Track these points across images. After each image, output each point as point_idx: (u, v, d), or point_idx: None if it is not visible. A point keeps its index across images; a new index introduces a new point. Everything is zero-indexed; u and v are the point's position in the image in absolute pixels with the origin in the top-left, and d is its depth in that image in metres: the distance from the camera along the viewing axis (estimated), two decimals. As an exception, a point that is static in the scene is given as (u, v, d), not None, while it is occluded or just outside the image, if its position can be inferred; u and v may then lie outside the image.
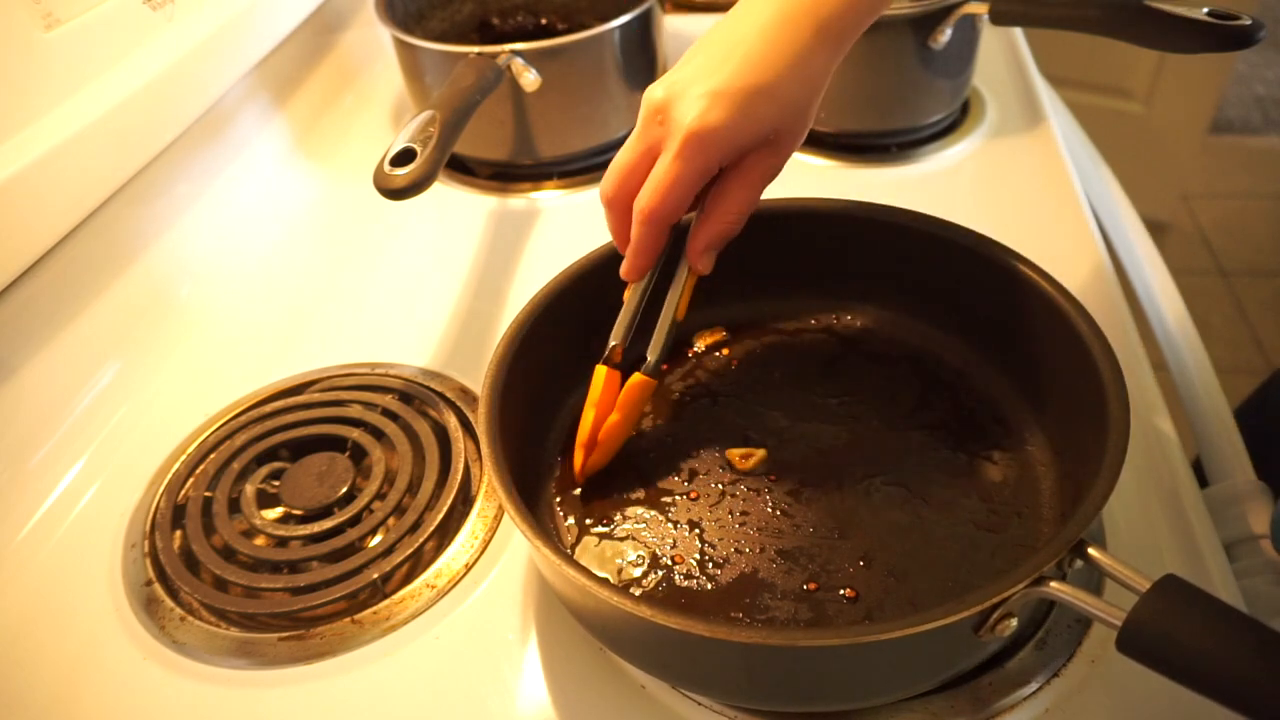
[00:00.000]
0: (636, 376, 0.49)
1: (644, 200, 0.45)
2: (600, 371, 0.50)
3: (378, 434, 0.57)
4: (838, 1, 0.43)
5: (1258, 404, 0.77)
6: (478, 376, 0.62)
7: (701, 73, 0.43)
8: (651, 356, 0.49)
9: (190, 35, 0.68)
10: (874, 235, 0.55)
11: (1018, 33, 0.96)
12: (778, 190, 0.55)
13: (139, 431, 0.61)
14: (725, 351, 0.58)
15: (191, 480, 0.56)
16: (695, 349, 0.59)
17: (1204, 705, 0.32)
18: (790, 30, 0.43)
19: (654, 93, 0.45)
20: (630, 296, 0.50)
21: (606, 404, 0.50)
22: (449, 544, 0.52)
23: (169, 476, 0.57)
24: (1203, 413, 0.67)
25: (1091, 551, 0.36)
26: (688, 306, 0.50)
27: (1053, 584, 0.35)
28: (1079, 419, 0.45)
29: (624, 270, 0.49)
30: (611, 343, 0.50)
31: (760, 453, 0.51)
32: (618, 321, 0.50)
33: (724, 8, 1.04)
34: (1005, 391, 0.53)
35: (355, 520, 0.53)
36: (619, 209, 0.47)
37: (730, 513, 0.49)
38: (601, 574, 0.47)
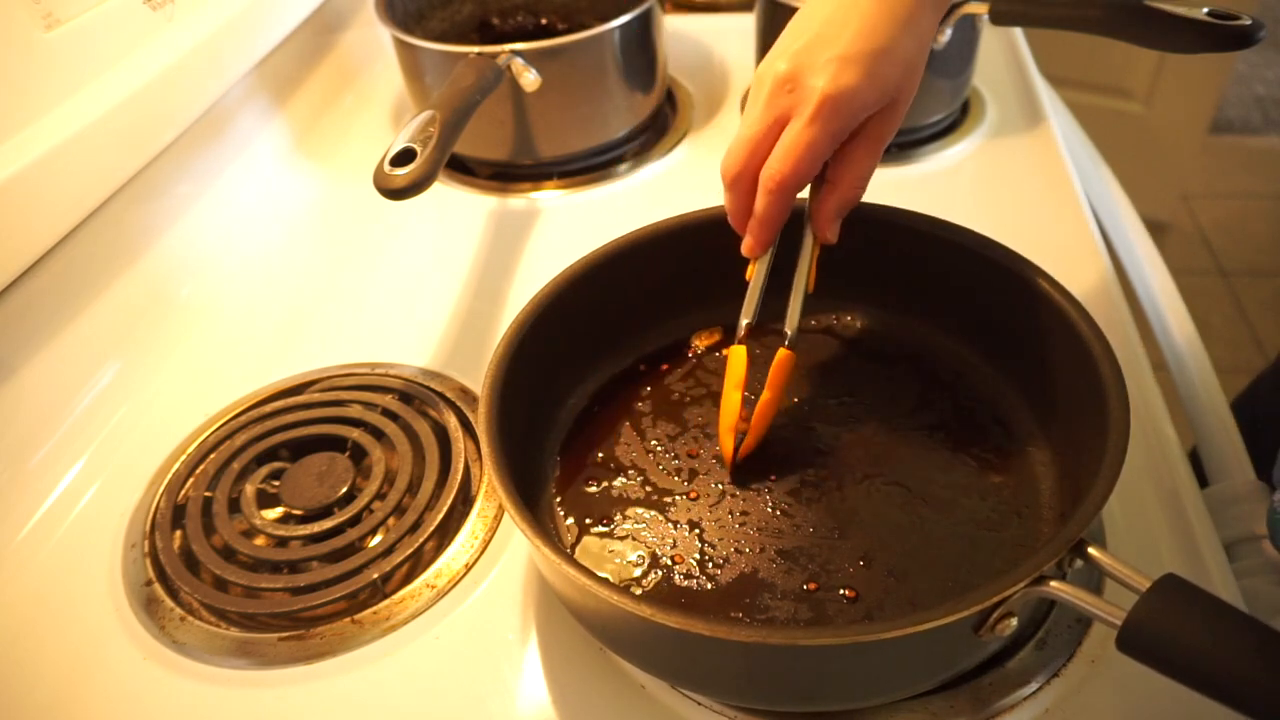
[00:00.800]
0: (782, 352, 0.49)
1: (775, 167, 0.45)
2: (740, 352, 0.50)
3: (378, 434, 0.57)
4: None
5: (1249, 398, 0.77)
6: (478, 376, 0.62)
7: (822, 41, 0.44)
8: (789, 330, 0.49)
9: (190, 35, 0.68)
10: (874, 235, 0.55)
11: (1018, 33, 0.96)
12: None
13: (139, 431, 0.61)
14: (725, 351, 0.58)
15: (191, 480, 0.56)
16: (695, 349, 0.59)
17: (1204, 705, 0.32)
18: None
19: (776, 66, 0.45)
20: (755, 273, 0.50)
21: (746, 385, 0.50)
22: (449, 544, 0.52)
23: (169, 476, 0.57)
24: (1203, 413, 0.67)
25: (1091, 551, 0.36)
26: (816, 278, 0.50)
27: (1053, 583, 0.35)
28: (1079, 419, 0.45)
29: (747, 246, 0.49)
30: (743, 321, 0.50)
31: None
32: (746, 300, 0.50)
33: (724, 8, 1.05)
34: (1005, 391, 0.53)
35: (355, 520, 0.53)
36: (743, 185, 0.47)
37: (730, 513, 0.49)
38: (601, 574, 0.47)
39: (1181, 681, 0.32)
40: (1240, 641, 0.31)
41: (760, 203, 0.46)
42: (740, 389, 0.50)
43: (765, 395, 0.50)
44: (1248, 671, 0.30)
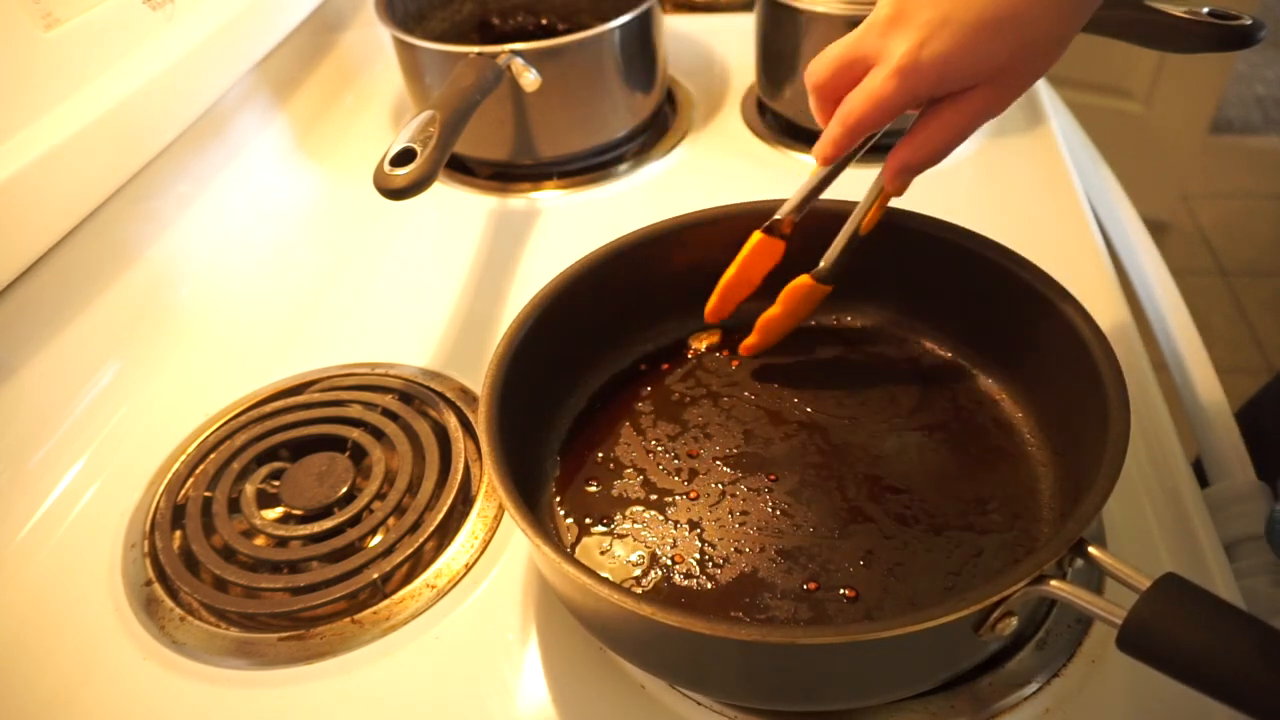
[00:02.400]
0: (804, 278, 0.52)
1: (849, 108, 0.44)
2: (756, 235, 0.52)
3: (378, 434, 0.57)
4: None
5: (1252, 410, 0.77)
6: (478, 376, 0.62)
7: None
8: (825, 264, 0.51)
9: (190, 35, 0.68)
10: (874, 236, 0.55)
11: (1018, 33, 0.96)
12: (779, 189, 0.55)
13: (139, 431, 0.61)
14: (725, 352, 0.58)
15: (191, 480, 0.56)
16: (694, 350, 0.59)
17: (1204, 704, 0.32)
18: None
19: (883, 7, 0.43)
20: (812, 176, 0.51)
21: (749, 266, 0.53)
22: (449, 544, 0.52)
23: (169, 476, 0.57)
24: (1203, 413, 0.67)
25: (1091, 550, 0.36)
26: (874, 223, 0.51)
27: (1053, 583, 0.35)
28: (1079, 419, 0.45)
29: (816, 151, 0.47)
30: (777, 216, 0.52)
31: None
32: (793, 196, 0.52)
33: (724, 8, 1.05)
34: (1005, 391, 0.53)
35: (355, 520, 0.53)
36: (824, 97, 0.47)
37: (730, 512, 0.49)
38: (601, 573, 0.47)
39: (1182, 681, 0.32)
40: (1241, 640, 0.31)
41: (833, 129, 0.45)
42: (739, 265, 0.53)
43: (773, 310, 0.52)
44: (1248, 670, 0.30)
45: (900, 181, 0.47)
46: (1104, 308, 0.63)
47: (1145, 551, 0.49)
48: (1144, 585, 0.33)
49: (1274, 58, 2.55)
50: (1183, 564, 0.48)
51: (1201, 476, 0.58)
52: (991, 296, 0.52)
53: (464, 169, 0.84)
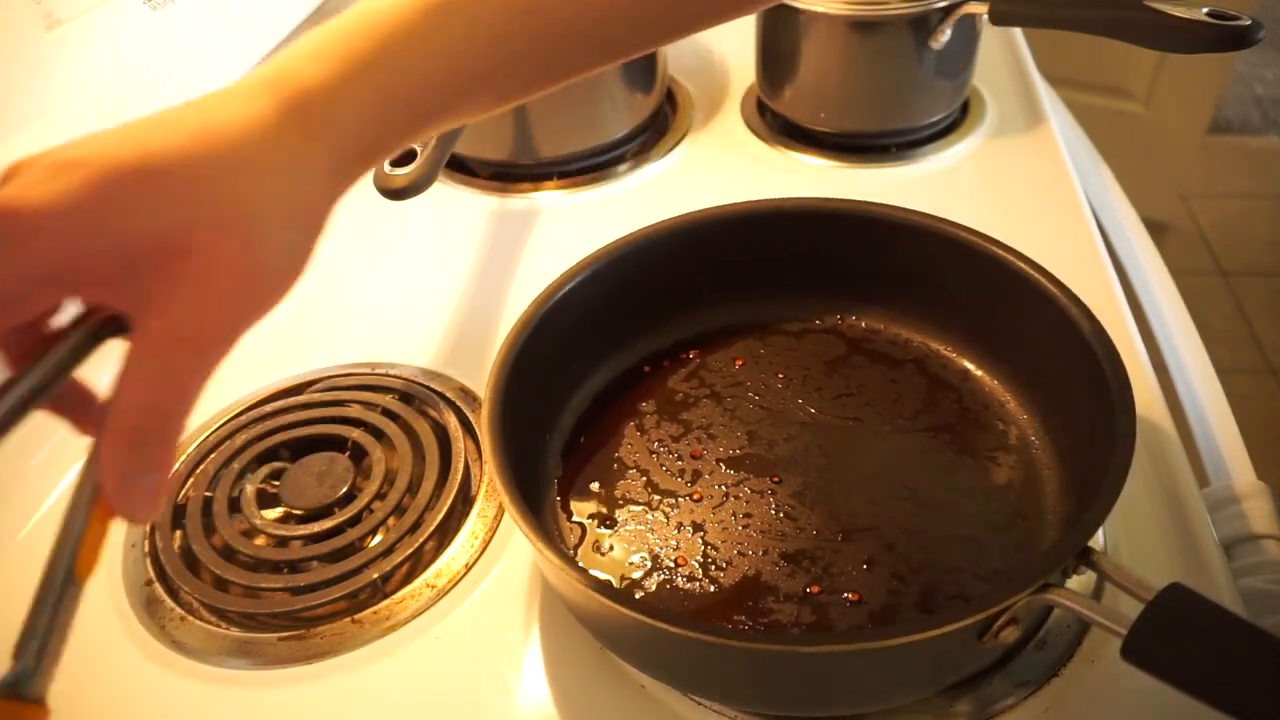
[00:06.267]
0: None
1: None
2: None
3: (378, 434, 0.57)
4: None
5: None
6: (478, 376, 0.62)
7: (92, 137, 0.29)
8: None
9: (190, 36, 0.68)
10: (878, 235, 0.55)
11: (1018, 33, 0.96)
12: (779, 189, 0.55)
13: (139, 431, 0.61)
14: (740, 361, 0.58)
15: (191, 480, 0.56)
16: (696, 351, 0.58)
17: (1204, 707, 0.32)
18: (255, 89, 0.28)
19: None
20: None
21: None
22: (449, 544, 0.52)
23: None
24: (1203, 413, 0.67)
25: (1096, 559, 0.36)
26: (97, 560, 0.31)
27: (1057, 592, 0.35)
28: (1082, 421, 0.45)
29: None
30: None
31: None
32: None
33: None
34: (1009, 393, 0.53)
35: (355, 520, 0.53)
36: None
37: (733, 514, 0.49)
38: (604, 576, 0.47)
39: (1185, 692, 0.31)
40: (1245, 654, 0.30)
41: None
42: None
43: None
44: (1250, 683, 0.30)
45: (137, 502, 0.29)
46: (1104, 308, 0.62)
47: (1144, 551, 0.49)
48: (1148, 596, 0.33)
49: (1273, 58, 2.55)
50: (1182, 564, 0.48)
51: (1202, 476, 0.58)
52: (995, 297, 0.52)
53: (464, 169, 0.83)
